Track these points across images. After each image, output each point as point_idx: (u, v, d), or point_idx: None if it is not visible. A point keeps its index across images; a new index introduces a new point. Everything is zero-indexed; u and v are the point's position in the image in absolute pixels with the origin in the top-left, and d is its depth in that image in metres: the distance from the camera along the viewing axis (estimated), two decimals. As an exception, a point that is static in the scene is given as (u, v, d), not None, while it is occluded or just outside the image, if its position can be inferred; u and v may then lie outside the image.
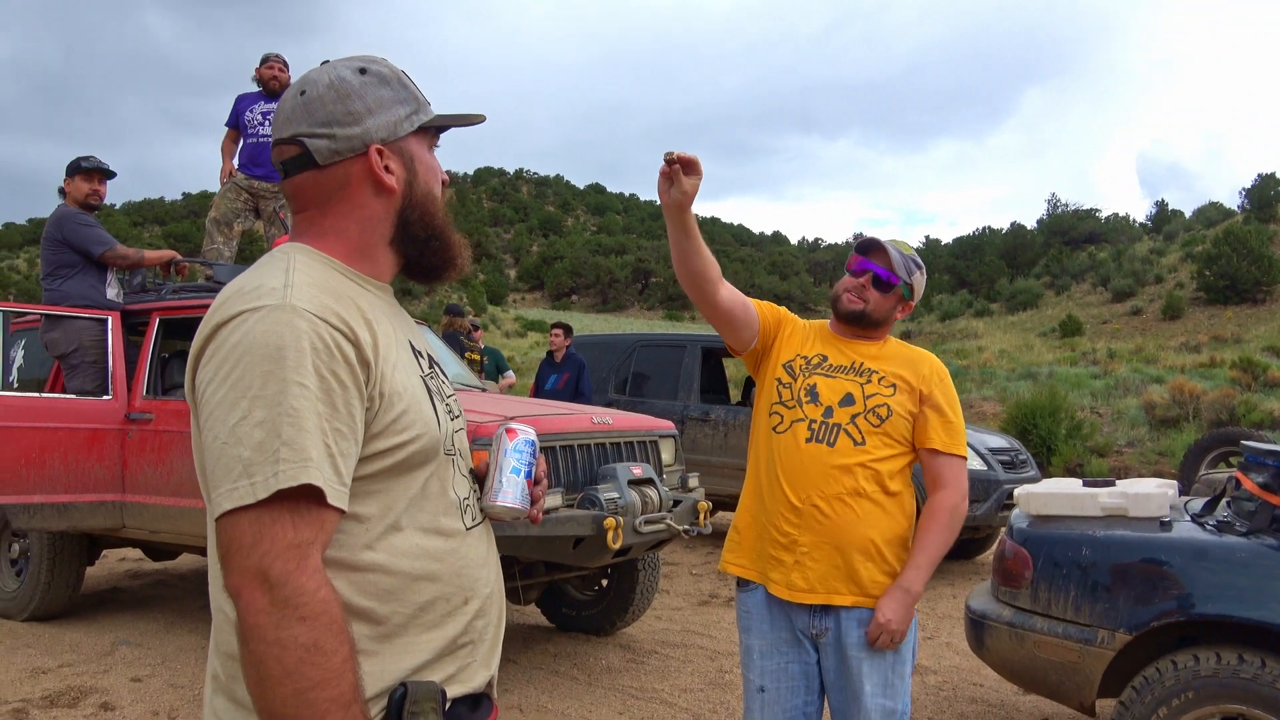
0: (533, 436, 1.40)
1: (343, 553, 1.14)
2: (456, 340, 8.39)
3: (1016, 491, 3.43)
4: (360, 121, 1.21)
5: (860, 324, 2.26)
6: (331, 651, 1.03)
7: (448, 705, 1.19)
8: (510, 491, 1.34)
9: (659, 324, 57.11)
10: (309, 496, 1.06)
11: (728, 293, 2.17)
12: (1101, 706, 3.22)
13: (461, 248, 1.31)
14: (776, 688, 2.19)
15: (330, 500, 1.07)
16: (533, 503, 1.39)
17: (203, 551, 5.29)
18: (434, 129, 1.30)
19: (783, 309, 2.36)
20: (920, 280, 2.28)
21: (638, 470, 4.41)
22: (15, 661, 4.60)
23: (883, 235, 2.28)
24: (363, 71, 1.24)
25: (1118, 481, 3.33)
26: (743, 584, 2.26)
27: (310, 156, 1.21)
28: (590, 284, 79.63)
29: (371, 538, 1.17)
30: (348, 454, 1.11)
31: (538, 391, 8.30)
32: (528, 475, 1.37)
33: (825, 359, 2.25)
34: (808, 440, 2.15)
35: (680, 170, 1.90)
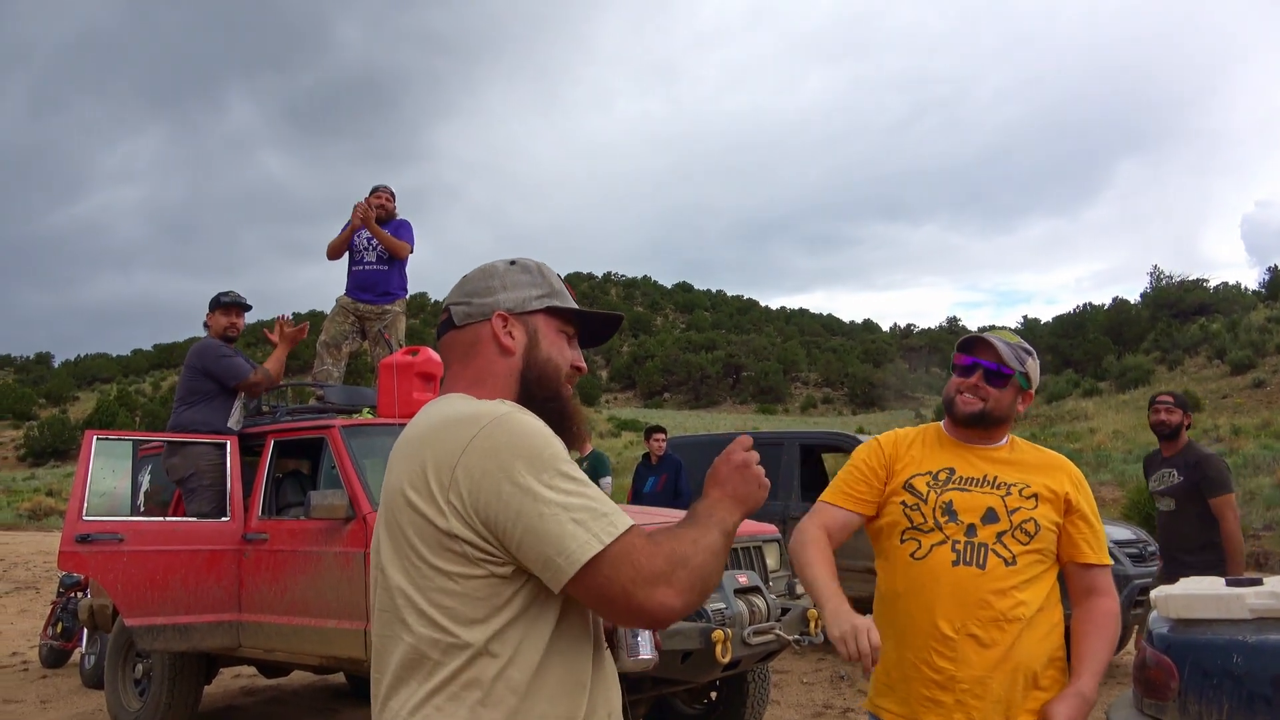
0: None
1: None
2: None
3: (1153, 594, 3.19)
4: (493, 294, 1.45)
5: (982, 424, 2.10)
6: None
7: None
8: (645, 646, 1.58)
9: (752, 418, 56.66)
10: None
11: (838, 531, 2.11)
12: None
13: (582, 421, 1.47)
14: None
15: None
16: (655, 649, 1.64)
17: (315, 669, 5.35)
18: (570, 320, 1.49)
19: (876, 444, 2.21)
20: (1034, 366, 2.13)
21: (744, 578, 4.31)
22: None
23: (978, 319, 2.18)
24: (511, 263, 1.50)
25: (1265, 579, 3.07)
26: None
27: (451, 319, 1.46)
28: (682, 381, 79.90)
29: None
30: None
31: (636, 494, 8.28)
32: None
33: (953, 471, 2.09)
34: (954, 564, 1.99)
35: None
